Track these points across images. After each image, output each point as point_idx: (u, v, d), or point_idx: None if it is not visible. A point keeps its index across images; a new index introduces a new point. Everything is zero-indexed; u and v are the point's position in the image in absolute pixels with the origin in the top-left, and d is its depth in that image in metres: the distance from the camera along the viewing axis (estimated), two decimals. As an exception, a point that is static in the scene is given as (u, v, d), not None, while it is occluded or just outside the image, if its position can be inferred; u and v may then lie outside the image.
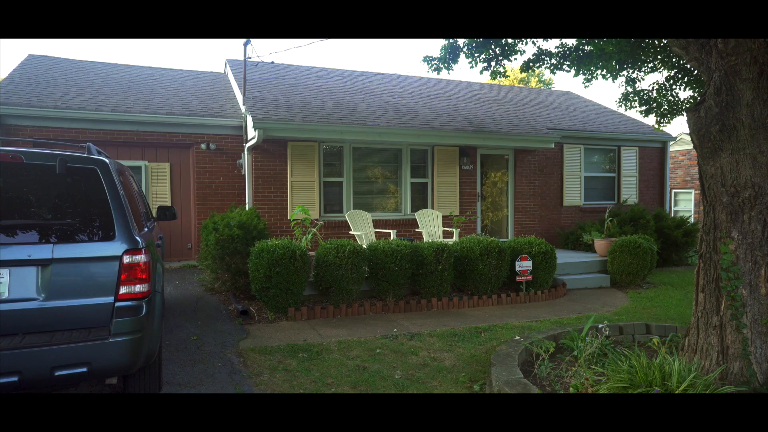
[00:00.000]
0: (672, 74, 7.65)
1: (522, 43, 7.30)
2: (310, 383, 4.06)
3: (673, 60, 7.16)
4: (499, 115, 11.50)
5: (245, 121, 9.24)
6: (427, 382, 4.13)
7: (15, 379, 2.68)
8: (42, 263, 2.90)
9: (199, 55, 54.72)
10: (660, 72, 9.30)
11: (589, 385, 3.29)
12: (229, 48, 62.09)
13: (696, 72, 7.27)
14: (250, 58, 9.42)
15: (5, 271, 2.85)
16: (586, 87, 7.98)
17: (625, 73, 7.75)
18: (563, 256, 8.85)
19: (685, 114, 7.13)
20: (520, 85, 24.44)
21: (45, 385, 2.81)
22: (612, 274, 8.33)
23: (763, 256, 3.36)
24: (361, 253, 6.37)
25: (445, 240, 8.22)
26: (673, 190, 17.96)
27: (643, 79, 15.65)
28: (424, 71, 50.04)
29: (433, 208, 10.10)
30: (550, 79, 31.92)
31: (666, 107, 8.06)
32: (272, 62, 10.99)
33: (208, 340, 5.10)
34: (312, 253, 6.49)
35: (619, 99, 8.30)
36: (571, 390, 3.37)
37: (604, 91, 62.62)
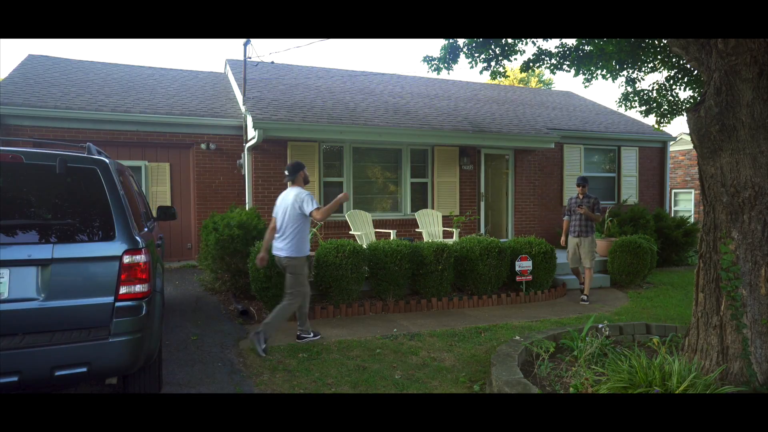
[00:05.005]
0: (672, 74, 7.66)
1: (522, 43, 7.31)
2: (310, 383, 4.06)
3: (673, 60, 7.16)
4: (499, 115, 11.50)
5: (245, 121, 9.24)
6: (427, 382, 4.12)
7: (15, 379, 2.68)
8: (42, 263, 2.90)
9: (199, 55, 54.75)
10: (660, 72, 9.30)
11: (589, 385, 3.29)
12: (229, 48, 62.12)
13: (696, 72, 7.27)
14: (250, 58, 9.42)
15: (5, 271, 2.85)
16: (586, 87, 7.99)
17: (625, 73, 7.76)
18: (563, 256, 8.83)
19: (685, 114, 7.14)
20: (520, 85, 24.44)
21: (45, 385, 2.81)
22: (612, 274, 8.33)
23: (763, 256, 3.35)
24: (361, 253, 6.37)
25: (445, 240, 8.21)
26: (673, 190, 17.96)
27: (643, 79, 15.67)
28: (424, 71, 50.06)
29: (433, 208, 10.09)
30: (550, 79, 31.92)
31: (666, 107, 8.07)
32: (272, 62, 10.99)
33: (207, 340, 5.10)
34: (312, 253, 6.49)
35: (619, 99, 8.30)
36: (571, 390, 3.37)
37: (604, 91, 62.66)
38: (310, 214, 4.82)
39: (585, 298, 7.21)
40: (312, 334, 5.25)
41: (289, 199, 4.94)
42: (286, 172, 5.14)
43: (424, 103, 11.39)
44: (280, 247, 4.95)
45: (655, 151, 12.79)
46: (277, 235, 5.00)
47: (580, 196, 7.27)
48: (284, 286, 5.06)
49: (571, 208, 7.34)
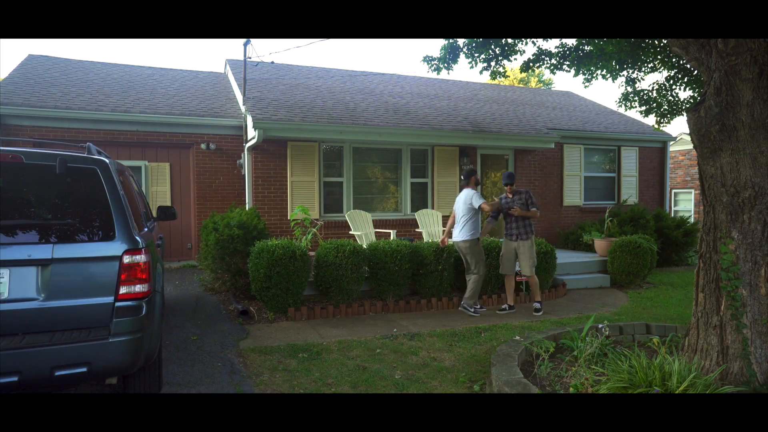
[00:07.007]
0: (672, 74, 7.66)
1: (522, 43, 7.31)
2: (310, 383, 4.06)
3: (673, 60, 7.16)
4: (499, 115, 11.50)
5: (245, 121, 9.24)
6: (427, 382, 4.13)
7: (15, 379, 2.68)
8: (42, 263, 2.90)
9: (199, 55, 54.74)
10: (660, 72, 9.30)
11: (589, 385, 3.29)
12: (229, 48, 62.11)
13: (696, 72, 7.28)
14: (250, 58, 9.42)
15: (5, 271, 2.85)
16: (586, 87, 7.99)
17: (625, 73, 7.76)
18: (563, 256, 8.85)
19: (685, 114, 7.13)
20: (520, 85, 24.44)
21: (45, 385, 2.81)
22: (612, 274, 8.33)
23: (763, 256, 3.35)
24: (361, 253, 6.37)
25: (445, 240, 8.20)
26: (673, 190, 17.96)
27: (643, 79, 15.67)
28: (424, 71, 50.05)
29: (433, 208, 10.09)
30: (550, 79, 31.92)
31: (666, 107, 8.07)
32: (272, 62, 10.99)
33: (208, 340, 5.10)
34: (312, 253, 6.49)
35: (619, 99, 8.30)
36: (571, 390, 3.37)
37: (604, 91, 62.67)
38: (480, 207, 6.29)
39: (538, 306, 6.53)
40: (473, 310, 6.41)
41: (461, 198, 6.44)
42: (462, 177, 6.82)
43: (424, 103, 11.39)
44: (457, 234, 6.42)
45: (655, 151, 12.79)
46: (455, 227, 6.49)
47: (510, 195, 6.56)
48: (466, 265, 6.53)
49: (503, 210, 6.61)
